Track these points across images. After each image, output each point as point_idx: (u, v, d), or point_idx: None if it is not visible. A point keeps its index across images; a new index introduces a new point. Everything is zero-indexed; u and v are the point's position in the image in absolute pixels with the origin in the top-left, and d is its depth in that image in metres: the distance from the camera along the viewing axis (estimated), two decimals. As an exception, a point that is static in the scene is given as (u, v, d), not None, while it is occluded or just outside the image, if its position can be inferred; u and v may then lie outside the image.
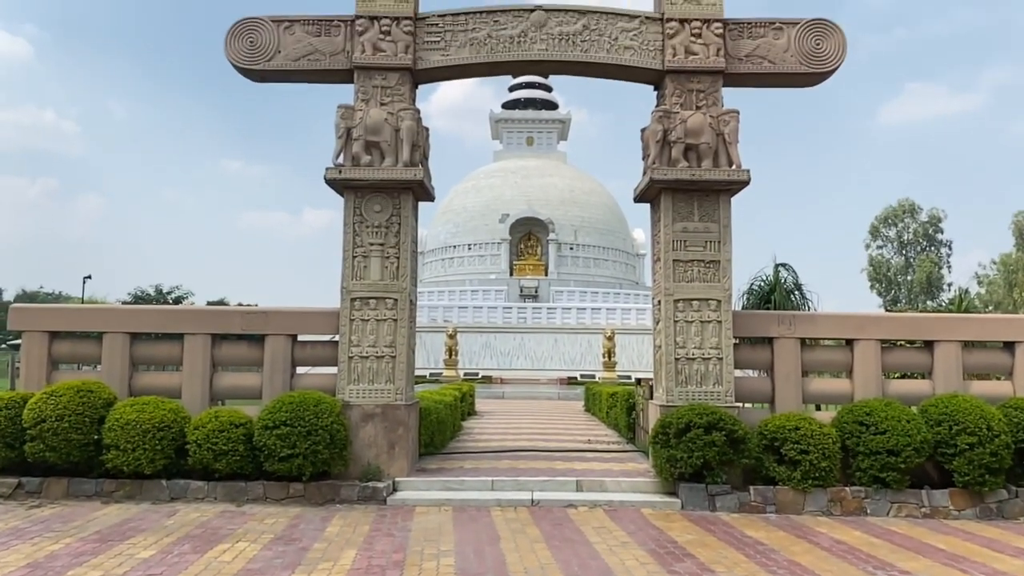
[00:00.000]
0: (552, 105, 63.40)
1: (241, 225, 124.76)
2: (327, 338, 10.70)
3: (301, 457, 9.18)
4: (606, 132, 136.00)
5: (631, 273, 57.96)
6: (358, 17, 10.53)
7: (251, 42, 10.55)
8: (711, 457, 9.14)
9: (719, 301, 10.21)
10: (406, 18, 10.54)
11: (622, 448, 13.01)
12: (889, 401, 9.73)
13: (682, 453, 9.22)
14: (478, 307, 45.02)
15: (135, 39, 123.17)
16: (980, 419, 9.29)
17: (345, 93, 10.70)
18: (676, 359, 10.16)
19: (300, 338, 10.68)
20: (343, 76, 10.68)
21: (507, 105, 63.35)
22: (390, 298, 10.29)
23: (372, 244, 10.37)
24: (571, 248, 54.04)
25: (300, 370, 10.81)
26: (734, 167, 10.22)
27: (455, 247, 55.36)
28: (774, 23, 10.66)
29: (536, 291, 49.90)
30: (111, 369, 10.37)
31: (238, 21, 10.59)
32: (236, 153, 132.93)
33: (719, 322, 10.19)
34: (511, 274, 52.62)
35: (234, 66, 10.60)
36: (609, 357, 33.55)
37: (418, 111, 10.48)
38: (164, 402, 9.70)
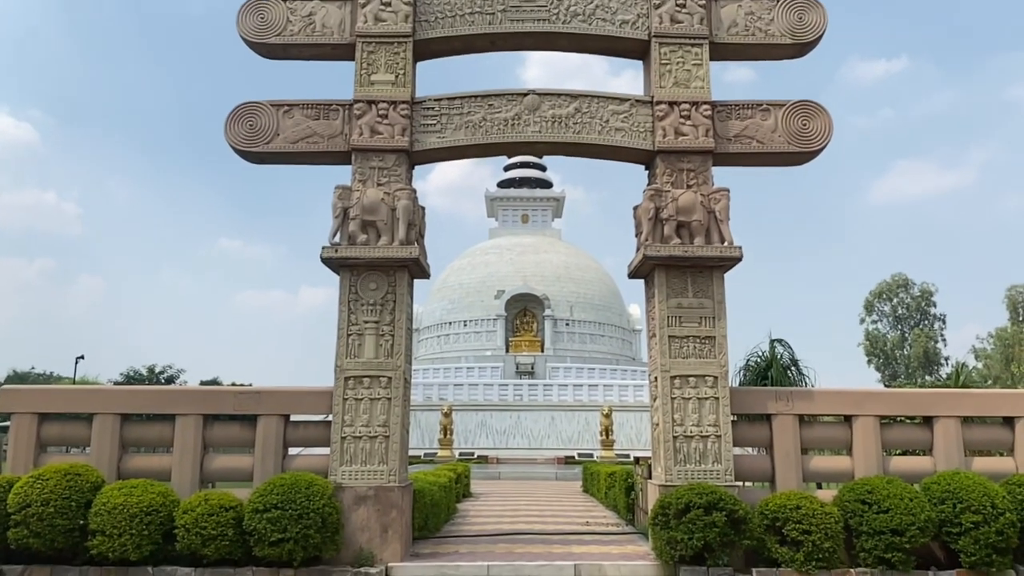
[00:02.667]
0: (547, 184, 64.57)
1: (238, 304, 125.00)
2: (320, 418, 10.61)
3: (292, 541, 8.99)
4: (600, 209, 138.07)
5: (628, 349, 57.87)
6: (356, 101, 10.84)
7: (251, 125, 10.82)
8: (712, 538, 8.97)
9: (715, 377, 10.19)
10: (403, 102, 10.84)
11: (621, 530, 12.76)
12: (891, 478, 9.62)
13: (682, 534, 9.05)
14: (474, 384, 44.73)
15: (137, 122, 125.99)
16: (984, 496, 9.17)
17: (343, 174, 10.92)
18: (674, 437, 10.08)
19: (293, 418, 10.59)
20: (341, 158, 10.91)
21: (502, 184, 64.50)
22: (384, 376, 10.26)
23: (367, 322, 10.40)
24: (567, 324, 54.10)
25: (292, 451, 10.67)
26: (726, 243, 10.37)
27: (451, 323, 55.39)
28: (761, 104, 10.99)
29: (532, 367, 49.68)
30: (100, 451, 10.23)
31: (238, 106, 10.89)
32: (235, 233, 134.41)
33: (716, 399, 10.15)
34: (507, 350, 52.49)
35: (234, 149, 10.84)
36: (607, 435, 33.19)
37: (414, 191, 10.68)
38: (153, 485, 9.54)
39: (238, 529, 9.19)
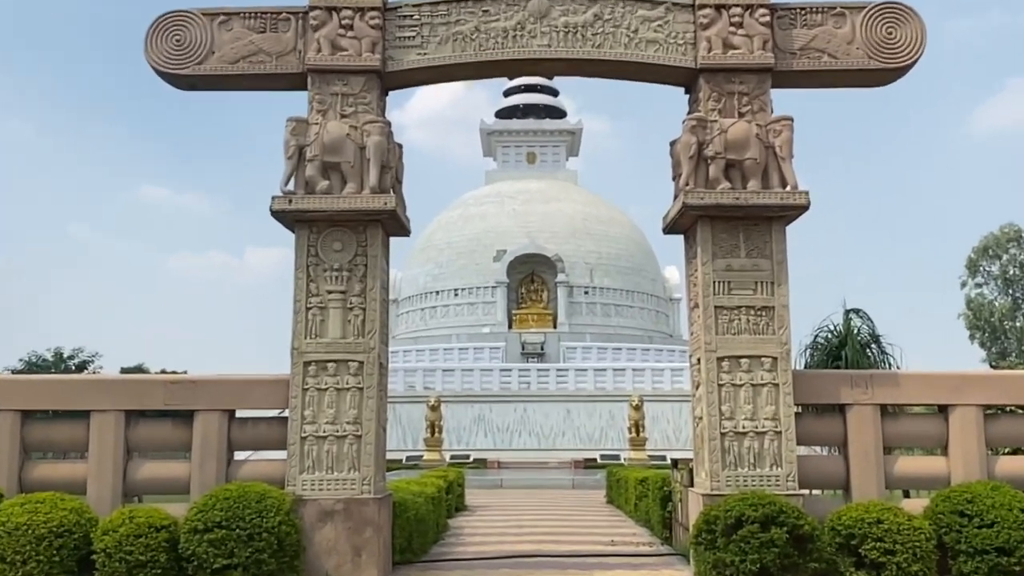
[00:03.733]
0: (558, 113, 64.32)
1: (167, 270, 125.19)
2: (274, 413, 10.67)
3: (240, 568, 9.08)
4: (628, 145, 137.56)
5: (663, 323, 58.07)
6: (312, 8, 10.74)
7: (177, 41, 10.73)
8: (770, 561, 9.06)
9: (774, 359, 10.23)
10: (373, 8, 10.74)
11: (655, 551, 12.90)
12: (997, 484, 9.68)
13: (733, 556, 9.14)
14: (468, 370, 44.98)
15: (29, 37, 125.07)
16: (1116, 506, 9.22)
17: (297, 103, 10.86)
18: (722, 434, 10.14)
19: (239, 414, 10.65)
20: (294, 82, 10.85)
21: (502, 114, 64.29)
22: (354, 361, 10.29)
23: (331, 292, 10.42)
24: (586, 292, 54.24)
25: (239, 455, 10.76)
26: (788, 188, 10.34)
27: (438, 293, 55.58)
28: (834, 7, 10.88)
29: (542, 348, 49.92)
30: (-4, 458, 10.32)
31: (161, 16, 10.80)
32: (161, 179, 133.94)
33: (775, 385, 10.20)
34: (510, 327, 52.72)
35: (157, 71, 10.77)
36: (637, 432, 33.38)
37: (388, 124, 10.63)
38: (64, 499, 9.63)
39: (172, 554, 9.28)
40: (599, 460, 37.11)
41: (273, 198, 10.32)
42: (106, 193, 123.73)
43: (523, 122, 62.72)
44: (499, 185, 59.91)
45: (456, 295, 55.03)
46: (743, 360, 10.26)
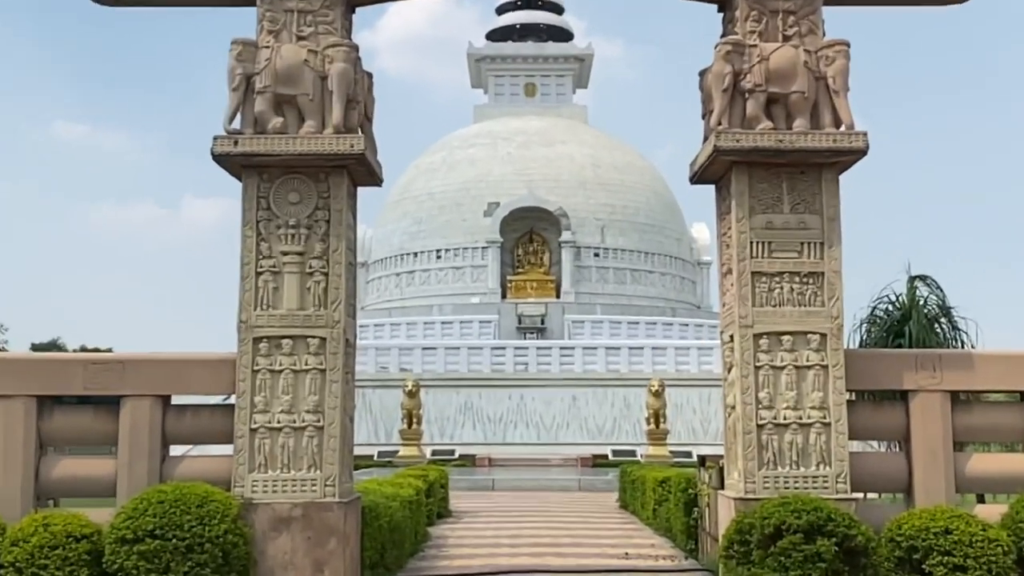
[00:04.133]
0: (563, 35, 63.92)
1: (86, 225, 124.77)
2: (218, 400, 10.69)
3: (178, 586, 9.13)
4: (649, 75, 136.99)
5: (690, 292, 58.16)
6: (262, -96, 10.65)
7: (97, -55, 10.64)
8: (816, 578, 9.13)
9: (823, 335, 10.25)
10: (336, -95, 10.66)
11: (678, 565, 12.98)
12: (1090, 487, 9.74)
13: (771, 571, 9.20)
14: (453, 348, 44.97)
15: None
16: None
17: (244, 22, 10.82)
18: (759, 426, 10.18)
19: (176, 401, 10.67)
20: (239, -5, 10.78)
21: (495, 36, 63.82)
22: (314, 337, 10.30)
23: (286, 254, 10.40)
24: (596, 254, 54.20)
25: (176, 450, 10.79)
26: (843, 128, 10.32)
27: (416, 255, 55.49)
28: (900, -95, 10.82)
29: (543, 321, 49.97)
30: None
31: (77, -87, 10.69)
32: (79, 114, 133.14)
33: (824, 367, 10.23)
34: (504, 296, 52.71)
35: (71, -18, 10.67)
36: (657, 423, 33.45)
37: (355, 48, 10.59)
38: (-36, 503, 9.65)
39: (95, 569, 9.31)
40: (611, 457, 37.18)
41: (215, 139, 10.27)
42: (9, 130, 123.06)
43: (520, 45, 62.23)
44: (491, 123, 59.63)
45: (438, 257, 54.94)
46: (785, 337, 10.28)
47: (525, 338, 47.94)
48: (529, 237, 54.40)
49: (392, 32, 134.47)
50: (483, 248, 53.62)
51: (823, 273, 10.37)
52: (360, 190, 11.18)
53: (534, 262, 54.36)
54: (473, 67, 63.41)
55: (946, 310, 16.01)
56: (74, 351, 50.79)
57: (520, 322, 49.89)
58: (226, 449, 10.39)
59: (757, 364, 10.28)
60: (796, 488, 10.00)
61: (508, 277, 53.59)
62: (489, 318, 49.93)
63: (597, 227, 54.41)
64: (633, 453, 36.72)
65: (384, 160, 11.24)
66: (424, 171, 58.01)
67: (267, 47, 10.47)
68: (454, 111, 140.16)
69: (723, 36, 10.98)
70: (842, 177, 10.54)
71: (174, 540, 9.20)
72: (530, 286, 53.19)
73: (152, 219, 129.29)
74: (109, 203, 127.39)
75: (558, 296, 52.56)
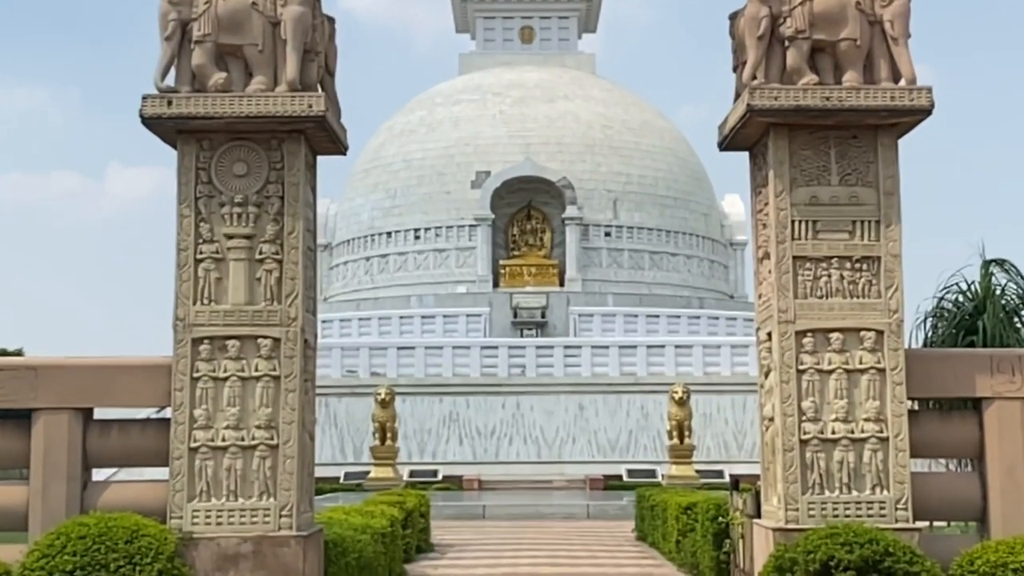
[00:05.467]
0: (567, -32, 63.72)
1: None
2: (150, 414, 10.71)
3: (104, 638, 9.17)
4: (670, 16, 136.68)
5: (720, 278, 58.16)
6: None
7: None
8: (870, 624, 9.17)
9: (880, 332, 10.29)
10: None
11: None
12: None
13: (816, 618, 9.24)
14: (435, 347, 44.95)
15: None
16: None
17: (178, -44, 10.76)
18: (803, 441, 10.21)
19: (99, 414, 10.69)
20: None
21: (484, -31, 63.61)
22: (266, 337, 10.32)
23: (232, 237, 10.42)
24: (607, 234, 54.16)
25: (100, 475, 10.81)
26: (903, 83, 10.33)
27: (390, 235, 55.40)
28: None
29: (543, 315, 49.93)
30: None
31: None
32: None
33: (880, 371, 10.26)
34: (496, 284, 52.68)
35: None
36: (681, 437, 33.53)
37: (314, -12, 10.59)
38: None
39: (5, 617, 9.35)
40: (626, 478, 37.26)
41: (144, 98, 10.28)
42: None
43: (515, -19, 62.14)
44: (480, 75, 59.52)
45: (417, 238, 54.85)
46: (834, 335, 10.31)
47: (522, 335, 47.94)
48: (527, 213, 54.35)
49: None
50: (471, 226, 53.52)
51: (879, 258, 10.40)
52: (321, 159, 11.18)
53: (532, 243, 54.33)
54: (458, 7, 63.31)
55: (1029, 301, 16.05)
56: (-24, 353, 50.72)
57: (516, 316, 49.85)
58: (161, 472, 10.41)
59: (800, 367, 10.30)
60: (847, 516, 10.04)
61: (501, 261, 53.55)
62: (479, 311, 49.90)
63: (608, 200, 54.32)
64: (652, 473, 36.84)
65: (350, 122, 11.27)
66: (399, 133, 57.89)
67: (207, -13, 10.47)
68: (435, 61, 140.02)
69: (758, -29, 10.98)
70: (901, 142, 10.54)
71: (99, 582, 9.23)
72: (527, 272, 53.13)
73: (71, 192, 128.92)
74: (18, 173, 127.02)
75: (561, 284, 52.56)
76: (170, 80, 10.44)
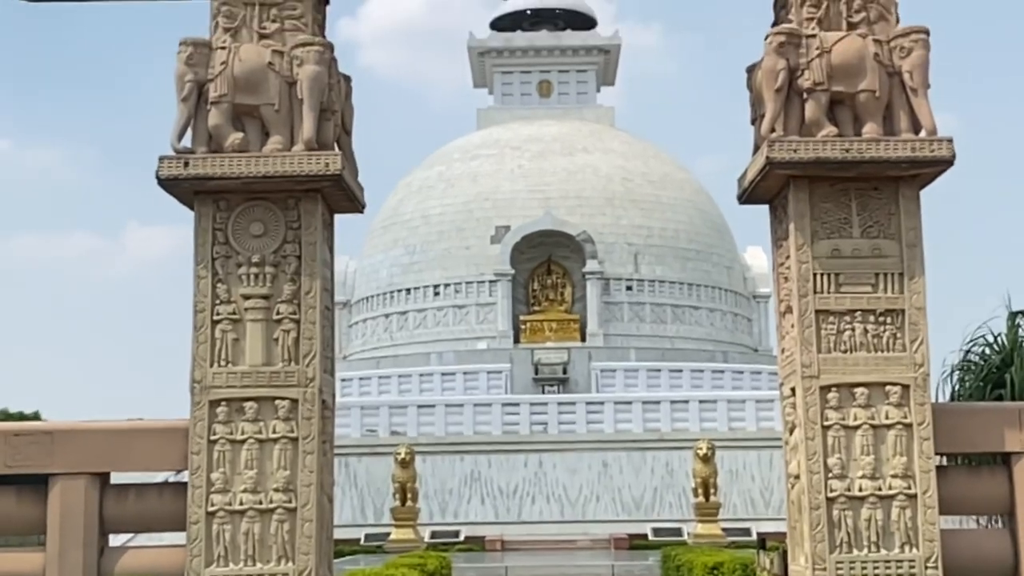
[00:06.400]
0: (585, 21, 64.18)
1: (7, 258, 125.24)
2: (167, 478, 10.70)
3: None
4: (690, 68, 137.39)
5: (743, 331, 58.07)
6: None
7: (17, -71, 10.78)
8: None
9: (906, 387, 10.23)
10: None
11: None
12: None
13: None
14: (455, 405, 44.89)
15: None
16: None
17: (195, 20, 10.94)
18: (829, 499, 10.13)
19: (116, 479, 10.67)
20: (188, -14, 10.91)
21: (501, 24, 64.07)
22: (284, 398, 10.31)
23: (249, 298, 10.43)
24: (629, 288, 54.20)
25: (117, 540, 10.77)
26: (923, 134, 10.34)
27: (409, 292, 55.52)
28: None
29: (565, 370, 49.90)
30: None
31: None
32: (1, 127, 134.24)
33: (907, 426, 10.20)
34: (517, 340, 52.69)
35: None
36: (707, 495, 33.40)
37: (330, 47, 10.66)
38: None
39: None
40: (651, 537, 37.06)
41: (161, 159, 10.30)
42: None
43: (532, 35, 62.50)
44: (498, 130, 59.82)
45: (437, 294, 54.95)
46: (859, 390, 10.25)
47: (544, 391, 47.90)
48: (547, 268, 54.43)
49: (378, 21, 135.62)
50: (491, 282, 53.62)
51: (903, 310, 10.36)
52: (337, 217, 11.21)
53: (553, 298, 54.35)
54: (476, 62, 63.68)
55: (1058, 352, 15.96)
56: (-6, 416, 50.91)
57: (537, 372, 49.84)
58: (178, 537, 10.37)
59: (825, 423, 10.23)
60: (877, 575, 9.96)
61: (522, 317, 53.58)
62: (499, 368, 49.89)
63: (629, 254, 54.43)
64: (678, 532, 36.66)
65: (368, 180, 11.29)
66: (417, 190, 58.15)
67: (223, 48, 10.54)
68: (453, 117, 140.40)
69: (775, 23, 11.04)
70: (924, 193, 10.54)
71: (116, 650, 9.21)
72: (548, 328, 53.13)
73: (88, 252, 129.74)
74: (34, 232, 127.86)
75: (583, 339, 52.55)
76: (187, 141, 10.49)
